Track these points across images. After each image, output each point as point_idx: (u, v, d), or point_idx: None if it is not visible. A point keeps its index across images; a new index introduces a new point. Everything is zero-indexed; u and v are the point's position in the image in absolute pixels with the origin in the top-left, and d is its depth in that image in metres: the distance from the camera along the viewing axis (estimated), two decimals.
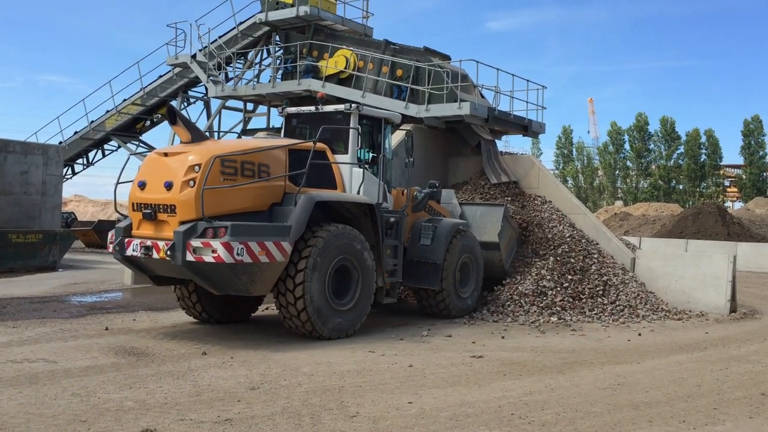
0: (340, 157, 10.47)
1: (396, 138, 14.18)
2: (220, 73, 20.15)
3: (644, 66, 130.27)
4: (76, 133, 26.35)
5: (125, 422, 5.60)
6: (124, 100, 24.75)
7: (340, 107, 10.77)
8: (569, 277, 13.04)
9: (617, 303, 12.82)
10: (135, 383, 6.82)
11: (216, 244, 8.43)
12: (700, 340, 10.64)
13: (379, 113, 11.27)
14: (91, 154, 27.70)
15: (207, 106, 24.14)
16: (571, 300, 12.54)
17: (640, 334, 10.92)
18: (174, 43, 20.94)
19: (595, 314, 12.26)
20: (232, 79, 20.63)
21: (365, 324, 10.06)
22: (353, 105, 10.71)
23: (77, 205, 55.57)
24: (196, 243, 8.54)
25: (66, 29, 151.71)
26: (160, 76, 23.70)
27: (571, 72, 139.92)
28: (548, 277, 12.88)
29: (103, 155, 27.81)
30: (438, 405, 6.39)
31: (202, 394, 6.49)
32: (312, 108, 11.05)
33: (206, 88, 21.35)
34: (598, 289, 13.05)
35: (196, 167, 8.78)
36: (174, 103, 23.66)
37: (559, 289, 12.71)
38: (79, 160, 27.84)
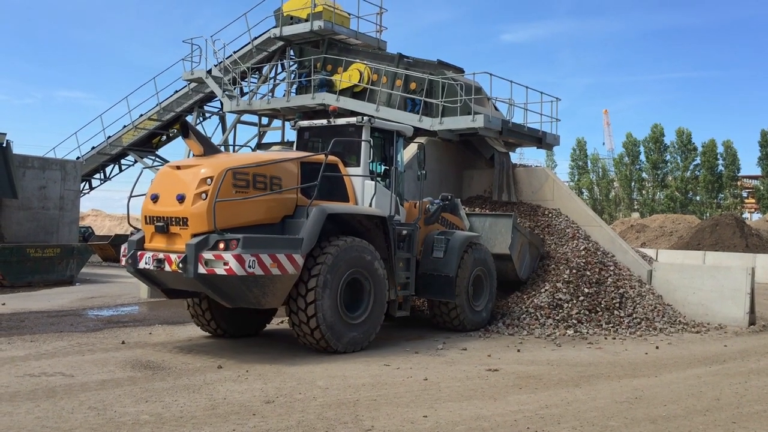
0: (352, 170, 10.49)
1: (410, 151, 14.21)
2: (235, 88, 20.33)
3: (659, 77, 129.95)
4: (93, 148, 26.72)
5: None
6: (141, 115, 25.10)
7: (352, 120, 10.79)
8: (585, 289, 12.95)
9: (634, 316, 12.71)
10: (151, 397, 6.84)
11: (228, 256, 8.46)
12: (718, 353, 10.51)
13: (391, 126, 11.31)
14: (108, 169, 28.13)
15: (222, 120, 24.39)
16: (587, 313, 12.45)
17: (657, 347, 10.81)
18: (190, 58, 21.22)
19: (612, 327, 12.15)
20: (246, 93, 20.80)
21: (380, 337, 10.04)
22: (365, 118, 10.73)
23: (94, 219, 56.20)
24: (207, 255, 8.58)
25: (82, 45, 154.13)
26: (176, 92, 24.00)
27: (586, 83, 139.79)
28: (564, 290, 12.80)
29: (120, 170, 28.23)
30: (453, 419, 6.35)
31: (217, 408, 6.50)
32: (324, 121, 11.11)
33: (221, 103, 21.54)
34: (614, 301, 12.95)
35: (208, 180, 8.84)
36: (189, 118, 23.91)
37: (575, 301, 12.63)
38: (97, 175, 28.24)
